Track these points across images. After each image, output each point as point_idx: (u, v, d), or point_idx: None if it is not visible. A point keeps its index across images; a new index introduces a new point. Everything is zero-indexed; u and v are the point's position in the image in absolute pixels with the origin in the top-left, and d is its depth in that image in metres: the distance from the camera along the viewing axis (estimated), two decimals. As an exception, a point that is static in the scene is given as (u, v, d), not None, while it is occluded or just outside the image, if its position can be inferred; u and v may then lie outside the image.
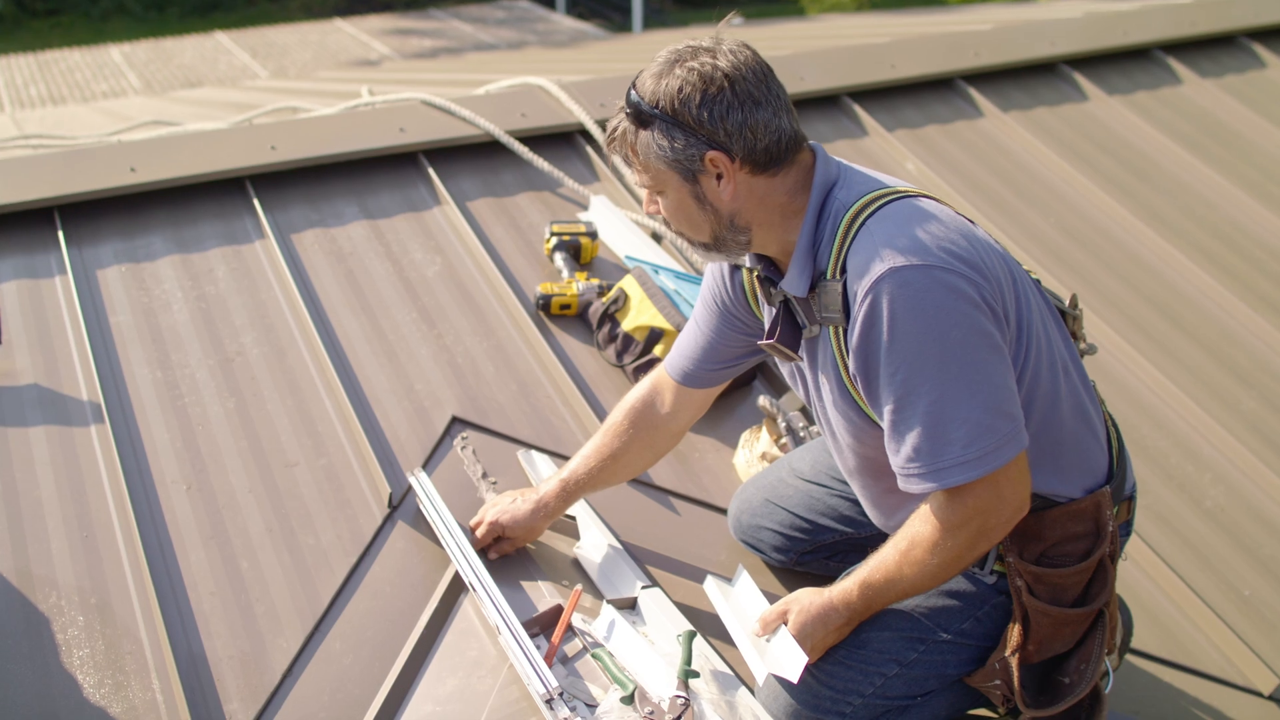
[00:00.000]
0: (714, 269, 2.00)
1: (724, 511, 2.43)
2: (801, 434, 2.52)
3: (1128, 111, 4.09)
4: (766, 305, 1.87)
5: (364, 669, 2.01)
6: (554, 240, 3.04)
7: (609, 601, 2.09)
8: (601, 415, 2.60)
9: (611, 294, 2.82)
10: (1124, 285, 3.30)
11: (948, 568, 1.74)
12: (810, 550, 2.21)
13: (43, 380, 2.58)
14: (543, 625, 2.03)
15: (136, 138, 3.95)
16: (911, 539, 1.74)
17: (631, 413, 2.14)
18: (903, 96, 4.02)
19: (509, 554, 2.21)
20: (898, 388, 1.64)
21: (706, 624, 2.10)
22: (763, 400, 2.57)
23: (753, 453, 2.52)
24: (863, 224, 1.67)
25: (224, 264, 2.96)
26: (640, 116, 1.71)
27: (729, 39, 1.72)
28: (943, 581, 1.78)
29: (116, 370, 2.61)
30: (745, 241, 1.79)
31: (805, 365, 1.86)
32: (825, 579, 2.11)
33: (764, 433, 2.53)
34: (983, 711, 2.00)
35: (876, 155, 3.71)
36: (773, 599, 1.99)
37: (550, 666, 1.89)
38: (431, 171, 3.35)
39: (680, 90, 1.67)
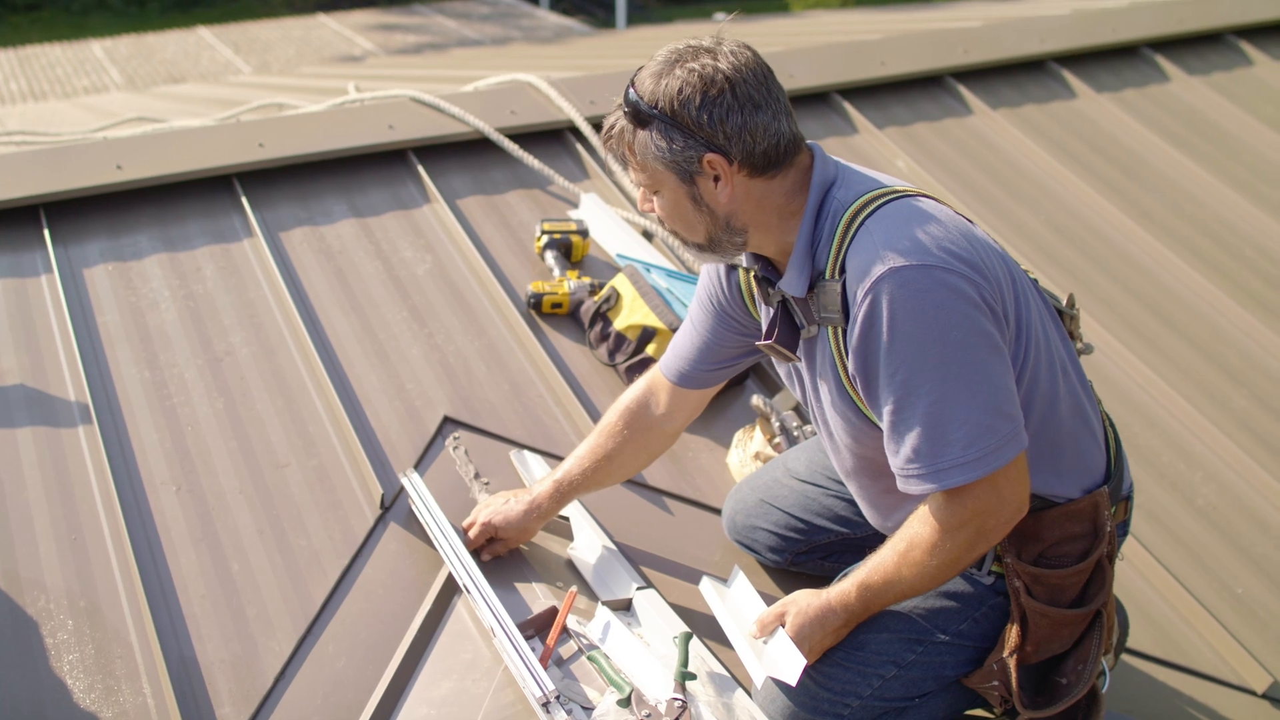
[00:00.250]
0: (710, 269, 1.98)
1: (718, 512, 2.42)
2: (795, 433, 2.51)
3: (1116, 109, 4.10)
4: (764, 305, 1.86)
5: (357, 672, 1.99)
6: (545, 238, 3.02)
7: (604, 603, 2.08)
8: (594, 415, 2.59)
9: (603, 293, 2.80)
10: (1114, 283, 3.30)
11: (946, 569, 1.73)
12: (805, 551, 2.20)
13: (29, 381, 2.55)
14: (537, 627, 2.02)
15: (122, 135, 3.91)
16: (910, 540, 1.74)
17: (626, 413, 2.12)
18: (892, 94, 4.02)
19: (502, 555, 2.20)
20: (897, 388, 1.63)
21: (702, 625, 2.08)
22: (756, 399, 2.56)
23: (746, 452, 2.51)
24: (862, 224, 1.66)
25: (212, 262, 2.93)
26: (639, 116, 1.69)
27: (730, 39, 1.70)
28: (941, 583, 1.77)
29: (104, 370, 2.58)
30: (741, 243, 1.78)
31: (803, 366, 1.85)
32: (820, 579, 2.10)
33: (757, 432, 2.52)
34: (980, 712, 2.00)
35: (866, 153, 3.71)
36: (768, 600, 1.98)
37: (546, 669, 1.88)
38: (421, 169, 3.33)
39: (680, 91, 1.65)
